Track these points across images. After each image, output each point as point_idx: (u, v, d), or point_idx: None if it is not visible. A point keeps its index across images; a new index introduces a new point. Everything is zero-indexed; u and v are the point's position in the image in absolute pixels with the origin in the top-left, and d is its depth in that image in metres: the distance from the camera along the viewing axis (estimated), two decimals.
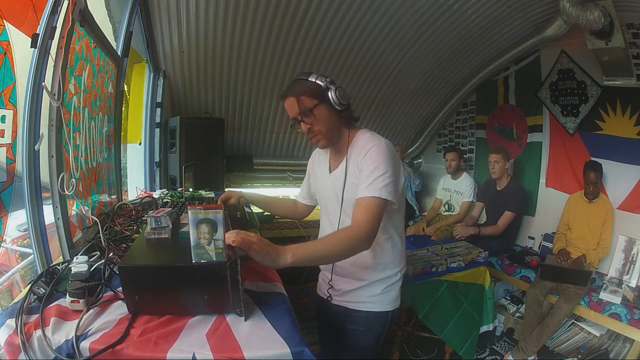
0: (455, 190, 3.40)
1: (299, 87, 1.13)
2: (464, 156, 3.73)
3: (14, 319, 0.83)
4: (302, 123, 1.16)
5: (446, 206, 3.48)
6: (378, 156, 1.07)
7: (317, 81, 1.11)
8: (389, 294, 1.21)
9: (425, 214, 3.80)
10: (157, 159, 2.98)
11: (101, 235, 1.28)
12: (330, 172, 1.25)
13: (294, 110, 1.14)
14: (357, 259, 1.14)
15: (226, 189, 1.84)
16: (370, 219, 1.00)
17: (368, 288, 1.20)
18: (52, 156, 1.29)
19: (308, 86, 1.12)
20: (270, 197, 1.66)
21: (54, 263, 1.21)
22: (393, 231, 1.20)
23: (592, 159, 2.69)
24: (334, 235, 1.03)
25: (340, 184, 1.17)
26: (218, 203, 1.45)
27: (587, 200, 2.59)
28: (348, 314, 1.24)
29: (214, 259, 0.84)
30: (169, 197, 1.87)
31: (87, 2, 1.46)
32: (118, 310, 0.90)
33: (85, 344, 0.78)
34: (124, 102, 2.42)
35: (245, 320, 0.88)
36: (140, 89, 2.93)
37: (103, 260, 1.09)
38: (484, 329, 2.24)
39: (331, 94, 1.11)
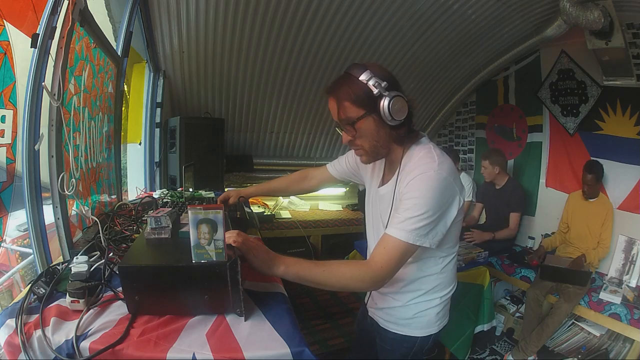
0: None
1: (344, 89, 0.92)
2: (460, 156, 3.75)
3: (14, 319, 0.83)
4: (343, 132, 0.97)
5: None
6: (421, 190, 0.87)
7: (370, 84, 0.88)
8: (421, 319, 1.06)
9: None
10: (157, 159, 2.98)
11: (101, 235, 1.28)
12: (380, 185, 1.08)
13: (334, 114, 0.95)
14: (399, 276, 0.99)
15: (226, 189, 1.82)
16: (387, 263, 0.86)
17: (401, 309, 1.07)
18: (52, 156, 1.29)
19: (356, 90, 0.90)
20: (270, 182, 1.51)
21: (54, 263, 1.20)
22: (445, 252, 1.03)
23: (592, 159, 2.69)
24: (341, 266, 0.91)
25: (386, 208, 1.00)
26: (218, 203, 1.41)
27: (585, 200, 2.59)
28: (377, 329, 1.16)
29: (214, 259, 0.84)
30: (169, 197, 1.87)
31: (87, 2, 1.46)
32: (118, 310, 0.90)
33: (85, 344, 0.78)
34: (124, 102, 2.42)
35: (245, 320, 0.88)
36: (140, 89, 2.92)
37: (103, 260, 1.09)
38: (479, 329, 2.24)
39: (383, 105, 0.88)
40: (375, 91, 0.88)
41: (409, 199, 0.89)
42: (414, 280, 1.03)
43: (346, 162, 1.29)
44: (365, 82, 0.89)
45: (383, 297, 1.11)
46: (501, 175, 2.95)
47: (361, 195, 3.62)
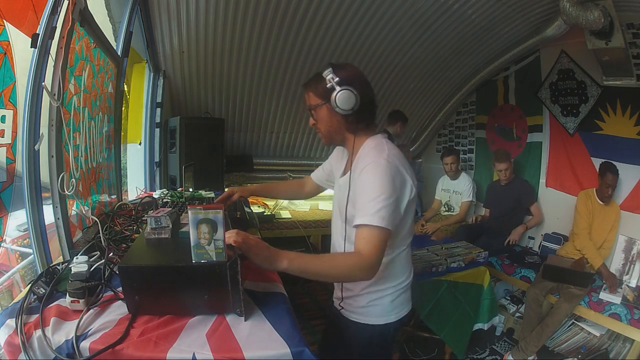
0: (454, 191, 3.41)
1: (312, 82, 1.10)
2: (460, 156, 3.76)
3: (14, 319, 0.83)
4: (310, 117, 1.15)
5: (446, 207, 3.49)
6: (375, 175, 0.98)
7: (327, 79, 1.04)
8: (376, 307, 1.13)
9: (425, 214, 3.81)
10: (157, 159, 2.98)
11: (101, 235, 1.28)
12: (341, 176, 1.20)
13: (306, 103, 1.15)
14: None
15: (226, 189, 1.88)
16: (374, 249, 0.93)
17: (356, 298, 1.15)
18: (52, 156, 1.29)
19: (317, 83, 1.08)
20: (271, 183, 1.60)
21: (54, 263, 1.21)
22: (397, 243, 1.12)
23: (592, 159, 2.69)
24: (340, 258, 0.99)
25: (344, 197, 1.09)
26: (219, 202, 1.43)
27: (600, 202, 2.53)
28: (339, 319, 1.22)
29: (214, 259, 0.84)
30: (169, 197, 1.87)
31: (87, 2, 1.46)
32: (118, 310, 0.91)
33: (85, 344, 0.79)
34: (124, 102, 2.42)
35: (245, 320, 0.88)
36: (140, 89, 2.92)
37: (103, 260, 1.09)
38: (477, 326, 2.24)
39: (332, 96, 1.03)
40: (329, 85, 1.04)
41: (363, 185, 0.99)
42: None
43: (322, 168, 1.41)
44: (325, 77, 1.05)
45: (344, 291, 1.18)
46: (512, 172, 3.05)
47: None
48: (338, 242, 1.17)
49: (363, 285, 1.11)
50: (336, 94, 1.03)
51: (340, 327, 1.21)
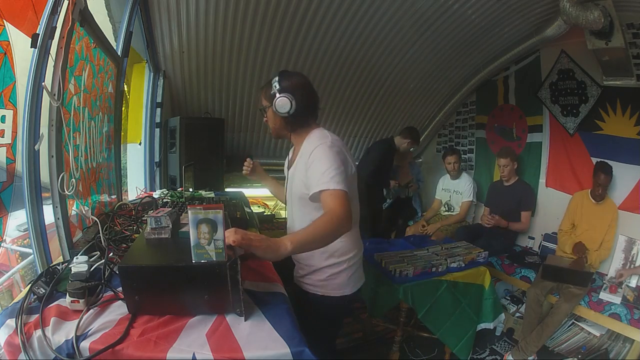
0: (454, 191, 3.41)
1: (264, 87, 1.32)
2: (462, 156, 3.75)
3: (14, 319, 0.83)
4: (263, 114, 1.35)
5: (446, 206, 3.49)
6: (322, 153, 1.16)
7: (273, 85, 1.25)
8: (334, 280, 1.29)
9: (425, 214, 3.81)
10: (157, 159, 2.98)
11: (101, 235, 1.28)
12: (289, 167, 1.40)
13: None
14: None
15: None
16: (340, 206, 1.06)
17: (317, 273, 1.29)
18: (52, 156, 1.29)
19: (267, 88, 1.29)
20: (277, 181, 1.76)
21: (54, 263, 1.21)
22: None
23: (592, 159, 2.69)
24: (319, 221, 1.07)
25: (291, 183, 1.32)
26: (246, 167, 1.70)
27: (593, 201, 2.56)
28: (303, 294, 1.35)
29: (214, 259, 0.84)
30: (169, 197, 1.87)
31: (87, 2, 1.46)
32: (118, 310, 0.91)
33: (85, 344, 0.79)
34: (124, 102, 2.42)
35: (245, 320, 0.88)
36: (140, 89, 2.93)
37: (103, 260, 1.09)
38: (482, 326, 2.23)
39: (274, 101, 1.23)
40: (272, 91, 1.24)
41: (314, 163, 1.15)
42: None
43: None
44: (272, 84, 1.26)
45: (303, 266, 1.33)
46: (513, 171, 3.02)
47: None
48: (296, 225, 1.31)
49: (322, 260, 1.27)
50: (275, 100, 1.23)
51: (302, 300, 1.34)
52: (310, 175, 1.16)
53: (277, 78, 1.26)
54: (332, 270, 1.28)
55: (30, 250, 1.26)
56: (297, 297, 1.35)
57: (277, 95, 1.23)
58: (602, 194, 2.50)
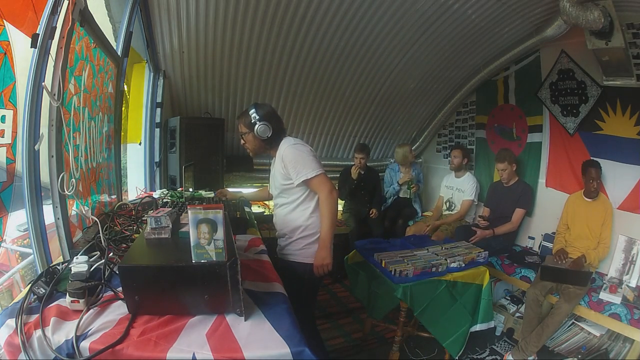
0: (457, 188, 3.41)
1: (242, 116, 1.67)
2: (469, 155, 3.75)
3: (14, 319, 0.83)
4: (242, 139, 1.71)
5: (447, 204, 3.49)
6: (292, 151, 1.57)
7: (251, 115, 1.59)
8: (307, 250, 1.64)
9: (426, 214, 3.80)
10: (157, 159, 2.98)
11: (101, 235, 1.28)
12: (271, 170, 1.79)
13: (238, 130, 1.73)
14: (286, 222, 1.68)
15: (221, 190, 2.30)
16: (324, 186, 1.55)
17: (294, 243, 1.67)
18: (52, 156, 1.29)
19: (244, 117, 1.64)
20: (251, 193, 2.31)
21: (54, 263, 1.21)
22: (311, 201, 1.64)
23: (592, 159, 2.69)
24: (323, 208, 1.57)
25: (272, 177, 1.72)
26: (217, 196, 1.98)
27: (586, 200, 2.58)
28: (285, 264, 1.69)
29: (214, 259, 0.84)
30: (169, 197, 1.87)
31: (87, 2, 1.46)
32: (118, 310, 0.91)
33: (85, 344, 0.79)
34: (124, 102, 2.42)
35: (245, 320, 0.88)
36: (140, 89, 2.93)
37: (103, 260, 1.09)
38: (476, 327, 2.23)
39: (256, 129, 1.59)
40: (252, 120, 1.60)
41: (288, 160, 1.56)
42: (297, 222, 1.66)
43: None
44: (250, 114, 1.61)
45: (285, 241, 1.71)
46: (513, 173, 3.02)
47: None
48: (281, 212, 1.72)
49: (298, 233, 1.65)
50: (257, 127, 1.58)
51: (283, 268, 1.63)
52: (291, 170, 1.56)
53: (253, 109, 1.60)
54: (305, 241, 1.65)
55: (30, 250, 1.26)
56: (281, 267, 1.65)
57: (258, 123, 1.58)
58: (597, 189, 2.51)
